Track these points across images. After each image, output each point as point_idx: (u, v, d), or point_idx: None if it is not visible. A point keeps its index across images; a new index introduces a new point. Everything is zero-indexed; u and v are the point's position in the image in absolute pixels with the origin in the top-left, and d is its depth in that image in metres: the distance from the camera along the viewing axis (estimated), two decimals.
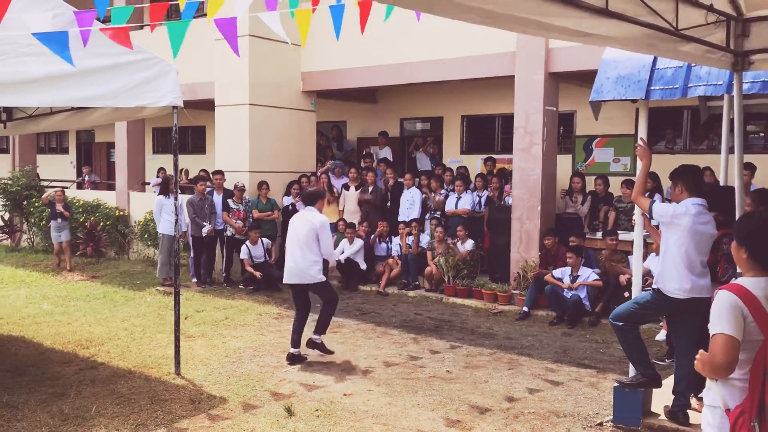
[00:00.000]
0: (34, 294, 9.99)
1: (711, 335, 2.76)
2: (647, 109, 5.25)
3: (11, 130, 8.39)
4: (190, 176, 14.48)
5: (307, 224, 6.71)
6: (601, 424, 5.15)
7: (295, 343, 6.78)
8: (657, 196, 8.81)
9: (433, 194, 11.05)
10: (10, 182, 14.58)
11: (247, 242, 10.61)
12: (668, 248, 4.79)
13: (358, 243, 10.67)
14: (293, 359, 6.70)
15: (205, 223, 10.56)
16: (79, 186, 17.12)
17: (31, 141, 16.44)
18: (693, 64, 4.92)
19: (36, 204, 14.14)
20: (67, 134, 21.24)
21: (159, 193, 10.80)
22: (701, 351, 2.91)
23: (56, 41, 4.21)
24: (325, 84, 11.85)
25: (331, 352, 6.89)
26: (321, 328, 6.85)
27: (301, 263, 6.69)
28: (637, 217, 5.18)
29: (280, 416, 5.23)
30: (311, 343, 6.83)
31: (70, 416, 5.18)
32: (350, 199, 11.53)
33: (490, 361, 6.85)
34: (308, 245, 6.68)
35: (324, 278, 6.87)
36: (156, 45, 5.88)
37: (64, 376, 6.17)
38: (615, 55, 5.25)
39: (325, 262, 7.04)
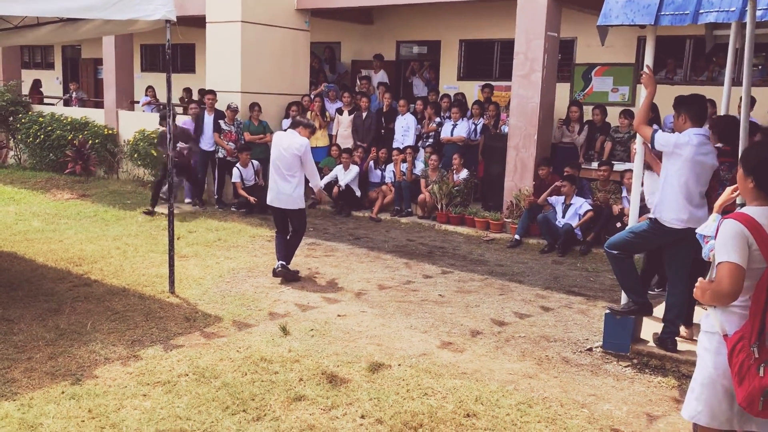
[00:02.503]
0: (23, 211, 9.91)
1: (717, 263, 2.77)
2: (655, 35, 5.11)
3: None
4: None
5: (289, 149, 6.72)
6: (590, 349, 5.26)
7: (284, 258, 6.88)
8: (655, 127, 8.72)
9: (426, 121, 10.90)
10: None
11: (238, 164, 10.50)
12: (668, 178, 4.78)
13: (354, 169, 10.58)
14: (284, 276, 6.77)
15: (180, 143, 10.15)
16: (66, 103, 16.74)
17: (16, 55, 15.92)
18: None
19: (23, 120, 13.85)
20: (53, 49, 20.61)
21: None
22: (700, 279, 2.94)
23: None
24: (319, 2, 11.46)
25: (298, 278, 6.87)
26: (287, 256, 6.93)
27: (283, 188, 6.78)
28: (638, 146, 5.13)
29: (275, 335, 5.29)
30: (275, 272, 6.85)
31: (66, 331, 5.22)
32: (344, 124, 11.37)
33: (482, 287, 6.93)
34: (290, 171, 6.75)
35: (303, 206, 6.93)
36: None
37: (58, 292, 6.18)
38: None
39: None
